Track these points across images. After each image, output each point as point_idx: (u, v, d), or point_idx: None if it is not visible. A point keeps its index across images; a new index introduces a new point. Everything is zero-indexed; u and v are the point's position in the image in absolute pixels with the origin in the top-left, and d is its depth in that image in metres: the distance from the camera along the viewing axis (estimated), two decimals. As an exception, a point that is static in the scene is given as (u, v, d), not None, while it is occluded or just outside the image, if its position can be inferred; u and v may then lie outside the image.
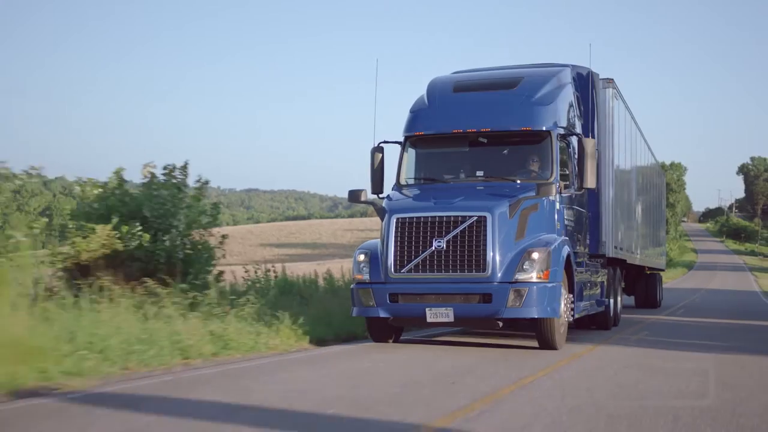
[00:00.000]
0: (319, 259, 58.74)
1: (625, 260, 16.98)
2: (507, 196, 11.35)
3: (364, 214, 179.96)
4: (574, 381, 8.48)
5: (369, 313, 11.47)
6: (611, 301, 15.35)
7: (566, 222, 12.38)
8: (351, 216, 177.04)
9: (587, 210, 13.78)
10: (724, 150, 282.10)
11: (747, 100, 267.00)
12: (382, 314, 11.31)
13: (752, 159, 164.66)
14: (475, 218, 10.94)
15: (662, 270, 26.62)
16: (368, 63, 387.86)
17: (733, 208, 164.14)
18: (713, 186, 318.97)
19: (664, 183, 30.60)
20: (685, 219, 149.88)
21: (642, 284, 23.52)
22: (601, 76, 14.81)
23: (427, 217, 11.16)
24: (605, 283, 14.84)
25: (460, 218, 11.00)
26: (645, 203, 20.82)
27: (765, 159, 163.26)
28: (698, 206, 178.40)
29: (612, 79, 15.15)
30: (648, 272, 23.52)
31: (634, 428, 5.90)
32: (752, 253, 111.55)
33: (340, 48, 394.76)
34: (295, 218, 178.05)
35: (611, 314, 15.36)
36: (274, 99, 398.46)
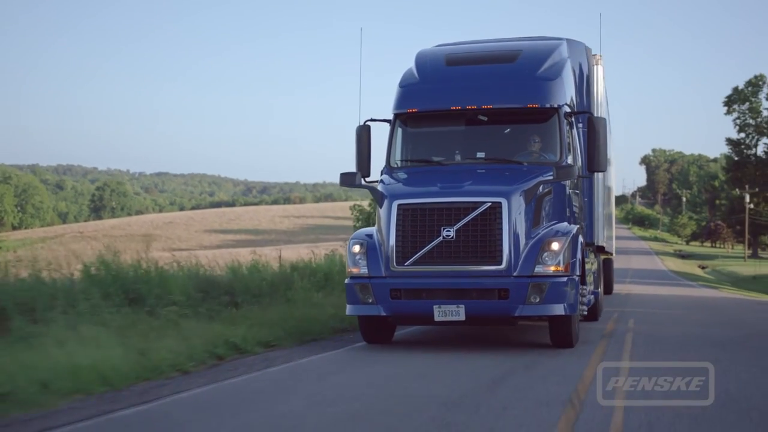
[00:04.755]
0: (269, 245, 56.39)
1: (603, 247, 15.70)
2: (521, 179, 9.74)
3: (287, 201, 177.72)
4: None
5: (368, 312, 9.68)
6: (599, 290, 14.06)
7: (574, 208, 10.90)
8: (275, 202, 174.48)
9: (584, 196, 12.34)
10: (627, 142, 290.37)
11: (649, 95, 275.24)
12: (383, 312, 9.56)
13: (653, 150, 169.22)
14: (489, 204, 9.28)
15: (612, 254, 25.66)
16: (286, 43, 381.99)
17: (636, 196, 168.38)
18: (618, 175, 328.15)
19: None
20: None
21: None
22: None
23: (434, 203, 9.45)
24: (596, 272, 13.50)
25: (471, 204, 9.31)
26: (606, 187, 19.65)
27: (665, 151, 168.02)
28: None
29: (600, 56, 13.75)
30: (604, 258, 22.43)
31: None
32: (655, 239, 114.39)
33: (257, 25, 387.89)
34: (219, 204, 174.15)
35: (599, 304, 14.05)
36: (182, 80, 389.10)
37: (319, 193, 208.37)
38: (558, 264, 9.26)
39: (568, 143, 10.65)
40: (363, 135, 11.06)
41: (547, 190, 9.92)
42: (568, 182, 10.46)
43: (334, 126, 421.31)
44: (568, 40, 12.40)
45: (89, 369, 6.99)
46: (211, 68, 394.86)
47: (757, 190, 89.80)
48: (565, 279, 9.30)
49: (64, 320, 8.32)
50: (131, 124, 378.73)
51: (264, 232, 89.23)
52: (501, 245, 9.19)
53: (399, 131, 11.01)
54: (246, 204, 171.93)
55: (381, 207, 9.83)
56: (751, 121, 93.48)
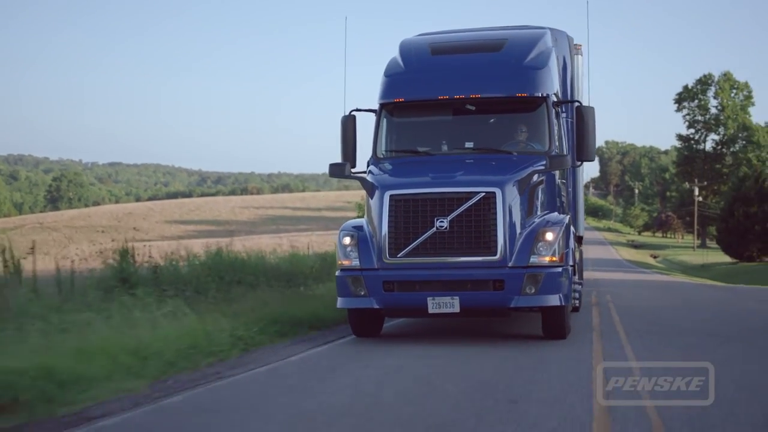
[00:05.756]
0: (231, 235, 55.36)
1: (582, 237, 15.57)
2: (514, 169, 9.49)
3: (245, 191, 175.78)
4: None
5: (360, 305, 9.34)
6: (582, 281, 13.91)
7: (563, 198, 10.70)
8: (232, 193, 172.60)
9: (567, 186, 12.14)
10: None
11: (601, 88, 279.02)
12: (376, 305, 9.23)
13: (606, 143, 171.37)
14: (483, 194, 9.00)
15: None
16: (241, 31, 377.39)
17: (590, 187, 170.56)
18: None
19: None
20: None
21: None
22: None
23: (427, 193, 9.14)
24: (579, 262, 13.35)
25: (465, 195, 9.02)
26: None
27: (618, 143, 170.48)
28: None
29: (580, 45, 13.57)
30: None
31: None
32: (608, 230, 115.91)
33: (207, 16, 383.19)
34: (176, 195, 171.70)
35: (580, 295, 13.89)
36: (132, 70, 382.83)
37: (276, 184, 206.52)
38: (553, 254, 9.04)
39: (557, 133, 10.44)
40: (348, 125, 10.71)
41: (539, 179, 9.71)
42: (557, 172, 10.27)
43: (288, 116, 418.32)
44: (551, 29, 12.17)
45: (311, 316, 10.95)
46: (161, 56, 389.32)
47: (705, 183, 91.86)
48: (560, 269, 9.08)
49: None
50: (82, 114, 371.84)
51: (225, 223, 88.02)
52: (495, 236, 8.93)
53: (385, 121, 10.67)
54: (203, 194, 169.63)
55: (372, 198, 9.49)
56: (700, 118, 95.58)
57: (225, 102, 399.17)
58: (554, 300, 9.00)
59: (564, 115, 11.35)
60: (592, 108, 10.67)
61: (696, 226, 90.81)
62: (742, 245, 64.25)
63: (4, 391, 5.80)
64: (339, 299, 9.54)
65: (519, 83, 10.38)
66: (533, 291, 8.92)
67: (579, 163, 10.86)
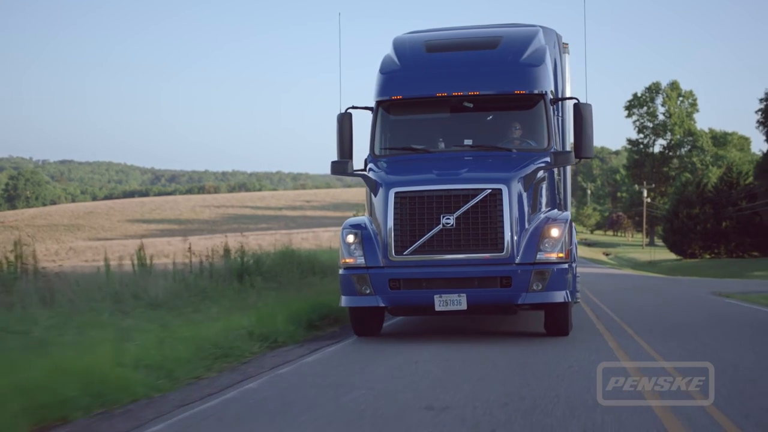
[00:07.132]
0: (194, 234, 54.45)
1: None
2: (518, 166, 9.26)
3: (202, 190, 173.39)
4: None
5: (366, 303, 9.01)
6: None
7: (561, 195, 10.54)
8: (188, 192, 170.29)
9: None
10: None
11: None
12: (382, 303, 8.93)
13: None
14: (489, 191, 8.76)
15: None
16: (192, 25, 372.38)
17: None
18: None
19: None
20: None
21: None
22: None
23: (433, 191, 8.84)
24: (572, 258, 13.22)
25: (471, 192, 8.77)
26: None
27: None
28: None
29: (567, 44, 13.40)
30: None
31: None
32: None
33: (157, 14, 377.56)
34: (133, 194, 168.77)
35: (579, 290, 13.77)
36: (87, 66, 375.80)
37: (231, 182, 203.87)
38: (560, 251, 8.84)
39: (554, 130, 10.25)
40: (345, 123, 10.37)
41: (542, 176, 9.52)
42: (555, 169, 10.10)
43: (241, 113, 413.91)
44: (542, 27, 11.98)
45: None
46: (114, 52, 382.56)
47: (653, 185, 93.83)
48: (566, 265, 8.90)
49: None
50: (31, 110, 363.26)
51: (187, 222, 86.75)
52: (502, 232, 8.70)
53: (381, 119, 10.34)
54: (161, 193, 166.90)
55: (376, 196, 9.19)
56: (648, 124, 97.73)
57: (175, 99, 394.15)
58: (561, 296, 8.80)
59: (556, 112, 11.18)
60: (590, 105, 10.48)
61: (645, 226, 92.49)
62: (686, 243, 66.92)
63: (321, 315, 10.70)
64: (343, 298, 9.20)
65: (517, 80, 10.16)
66: (540, 288, 8.71)
67: (578, 160, 10.68)
